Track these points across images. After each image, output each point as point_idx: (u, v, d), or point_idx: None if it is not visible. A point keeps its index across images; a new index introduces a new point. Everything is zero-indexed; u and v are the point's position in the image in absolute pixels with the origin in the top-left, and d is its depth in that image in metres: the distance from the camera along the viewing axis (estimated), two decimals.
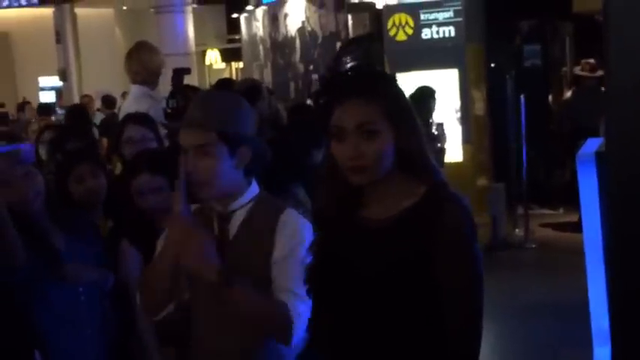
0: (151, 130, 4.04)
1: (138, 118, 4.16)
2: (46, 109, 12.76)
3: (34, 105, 14.16)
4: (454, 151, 7.94)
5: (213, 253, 2.27)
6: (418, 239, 2.00)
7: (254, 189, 2.48)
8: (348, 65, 8.31)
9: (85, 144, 4.24)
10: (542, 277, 7.39)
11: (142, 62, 5.19)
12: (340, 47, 10.28)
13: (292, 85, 15.37)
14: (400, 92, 2.10)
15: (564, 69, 11.14)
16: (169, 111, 5.18)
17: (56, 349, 2.89)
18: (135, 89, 5.30)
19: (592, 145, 2.21)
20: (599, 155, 2.10)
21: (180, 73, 5.34)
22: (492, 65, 8.87)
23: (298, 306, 2.31)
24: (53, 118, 15.12)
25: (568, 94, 9.76)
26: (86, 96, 12.16)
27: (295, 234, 2.39)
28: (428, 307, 2.01)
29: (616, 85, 1.59)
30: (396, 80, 2.13)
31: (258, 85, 5.50)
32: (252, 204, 2.45)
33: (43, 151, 4.60)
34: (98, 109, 11.68)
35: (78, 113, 7.62)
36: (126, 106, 5.23)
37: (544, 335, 5.90)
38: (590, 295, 2.24)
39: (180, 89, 5.42)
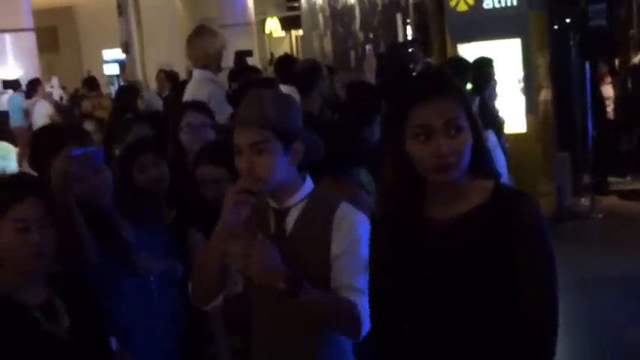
0: (210, 118, 4.11)
1: (197, 106, 4.25)
2: (93, 83, 12.50)
3: (99, 79, 14.15)
4: (518, 122, 7.83)
5: (277, 261, 2.25)
6: (498, 233, 2.01)
7: (308, 185, 2.49)
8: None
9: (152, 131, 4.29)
10: (609, 247, 7.26)
11: (202, 47, 5.21)
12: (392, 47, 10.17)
13: (352, 53, 15.30)
14: (465, 88, 2.10)
15: (632, 31, 10.87)
16: (231, 93, 5.23)
17: (130, 339, 2.97)
18: (197, 74, 5.33)
19: None
20: None
21: (241, 55, 5.38)
22: (555, 28, 8.66)
23: (364, 301, 2.33)
24: (113, 89, 15.13)
25: (636, 58, 9.52)
26: (162, 71, 12.25)
27: (352, 229, 2.40)
28: (509, 298, 2.02)
29: None
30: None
31: (319, 65, 5.51)
32: (308, 200, 2.46)
33: None
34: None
35: (127, 95, 7.61)
36: (189, 91, 5.29)
37: (610, 308, 5.84)
38: None
39: (242, 71, 5.48)
